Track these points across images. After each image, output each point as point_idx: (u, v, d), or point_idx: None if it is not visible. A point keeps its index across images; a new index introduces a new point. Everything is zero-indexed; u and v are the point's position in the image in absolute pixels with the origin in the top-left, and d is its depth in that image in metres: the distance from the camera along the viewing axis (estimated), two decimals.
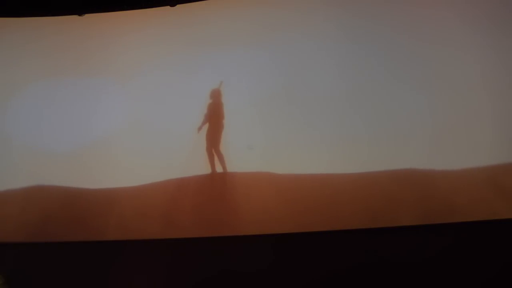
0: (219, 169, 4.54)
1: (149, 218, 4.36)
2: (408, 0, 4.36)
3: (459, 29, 4.09)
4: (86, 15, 5.44)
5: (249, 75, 4.66)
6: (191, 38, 5.10)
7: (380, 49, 4.32)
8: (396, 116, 4.16)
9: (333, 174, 4.17)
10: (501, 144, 3.82)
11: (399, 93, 4.22)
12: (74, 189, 4.63)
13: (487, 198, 3.65)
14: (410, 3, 4.33)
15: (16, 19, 5.46)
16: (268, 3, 4.93)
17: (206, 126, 4.73)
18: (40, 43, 5.26)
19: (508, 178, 3.68)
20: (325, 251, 3.85)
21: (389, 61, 4.29)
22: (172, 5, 5.38)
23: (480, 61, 4.01)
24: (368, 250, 3.73)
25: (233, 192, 4.40)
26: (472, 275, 3.41)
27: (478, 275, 3.39)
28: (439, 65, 4.14)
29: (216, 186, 4.55)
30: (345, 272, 3.69)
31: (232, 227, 4.21)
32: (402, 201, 3.86)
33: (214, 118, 4.72)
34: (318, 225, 3.93)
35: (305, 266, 3.81)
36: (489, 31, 4.03)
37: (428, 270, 3.52)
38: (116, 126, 4.81)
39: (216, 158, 4.57)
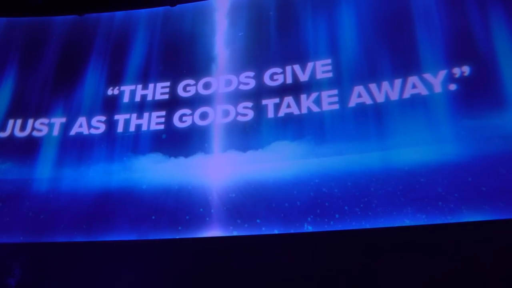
0: None
1: None
2: None
3: None
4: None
5: None
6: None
7: None
8: None
9: None
10: None
11: None
12: None
13: None
14: None
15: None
16: None
17: None
18: None
19: None
20: (325, 251, 3.98)
21: None
22: (172, 5, 5.61)
23: None
24: (369, 250, 3.83)
25: None
26: (472, 275, 3.49)
27: (478, 275, 3.48)
28: None
29: None
30: (346, 272, 3.81)
31: None
32: None
33: None
34: None
35: (304, 266, 3.93)
36: None
37: (428, 269, 3.63)
38: None
39: None
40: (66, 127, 5.22)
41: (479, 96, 4.16)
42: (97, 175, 4.85)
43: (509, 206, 3.64)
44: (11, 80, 5.54)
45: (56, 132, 5.19)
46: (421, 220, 3.85)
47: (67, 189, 4.83)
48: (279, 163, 4.52)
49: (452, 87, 4.30)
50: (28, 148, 5.11)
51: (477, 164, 3.90)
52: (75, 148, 5.06)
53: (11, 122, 5.29)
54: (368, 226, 3.96)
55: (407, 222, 3.87)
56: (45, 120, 5.28)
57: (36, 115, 5.31)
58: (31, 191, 4.85)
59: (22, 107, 5.38)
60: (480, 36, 4.39)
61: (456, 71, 4.35)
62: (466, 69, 4.32)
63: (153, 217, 4.50)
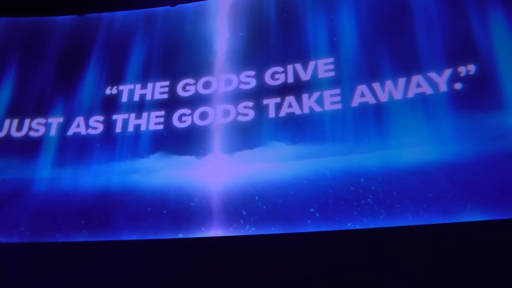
0: None
1: None
2: None
3: None
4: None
5: None
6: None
7: None
8: None
9: None
10: None
11: None
12: None
13: None
14: None
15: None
16: None
17: None
18: None
19: None
20: (325, 251, 4.00)
21: None
22: (172, 5, 5.69)
23: None
24: (369, 250, 3.84)
25: None
26: (472, 275, 3.50)
27: (478, 275, 3.48)
28: None
29: None
30: (346, 272, 3.83)
31: None
32: None
33: None
34: None
35: (304, 266, 3.96)
36: None
37: (428, 270, 3.65)
38: None
39: None
40: (64, 127, 5.25)
41: (482, 95, 4.15)
42: (96, 176, 4.87)
43: (509, 206, 3.63)
44: (10, 80, 5.60)
45: (53, 132, 5.23)
46: (421, 220, 3.85)
47: (65, 189, 4.86)
48: (280, 163, 4.53)
49: (458, 86, 4.30)
50: (25, 148, 5.16)
51: (478, 164, 3.89)
52: (72, 149, 5.10)
53: (7, 122, 5.34)
54: (368, 226, 3.97)
55: (407, 222, 3.87)
56: (42, 120, 5.32)
57: (33, 115, 5.36)
58: (28, 191, 4.89)
59: (20, 107, 5.43)
60: (482, 34, 4.39)
61: (462, 69, 4.34)
62: (471, 68, 4.31)
63: (153, 217, 4.53)
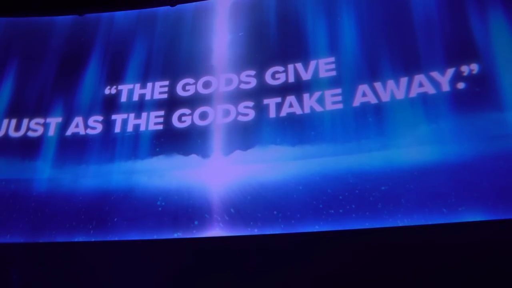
0: None
1: None
2: None
3: None
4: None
5: None
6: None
7: None
8: None
9: None
10: None
11: None
12: None
13: None
14: None
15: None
16: None
17: None
18: None
19: None
20: (325, 251, 4.01)
21: None
22: (172, 5, 5.74)
23: None
24: (369, 250, 3.86)
25: None
26: (472, 275, 3.50)
27: (478, 275, 3.48)
28: None
29: None
30: (345, 272, 3.84)
31: None
32: None
33: None
34: None
35: (304, 266, 3.98)
36: None
37: (428, 270, 3.65)
38: None
39: None
40: (62, 127, 5.27)
41: (484, 95, 4.14)
42: (95, 176, 4.89)
43: (509, 206, 3.63)
44: (9, 80, 5.63)
45: (52, 132, 5.25)
46: (421, 220, 3.84)
47: (64, 189, 4.88)
48: (281, 163, 4.53)
49: (460, 85, 4.29)
50: (23, 149, 5.18)
51: (479, 164, 3.88)
52: (71, 149, 5.11)
53: (5, 121, 5.37)
54: (368, 226, 3.97)
55: (408, 222, 3.86)
56: (41, 120, 5.34)
57: (32, 115, 5.38)
58: (27, 191, 4.91)
59: (18, 107, 5.45)
60: (483, 34, 4.39)
61: (464, 69, 4.34)
62: (474, 67, 4.31)
63: (153, 217, 4.54)
